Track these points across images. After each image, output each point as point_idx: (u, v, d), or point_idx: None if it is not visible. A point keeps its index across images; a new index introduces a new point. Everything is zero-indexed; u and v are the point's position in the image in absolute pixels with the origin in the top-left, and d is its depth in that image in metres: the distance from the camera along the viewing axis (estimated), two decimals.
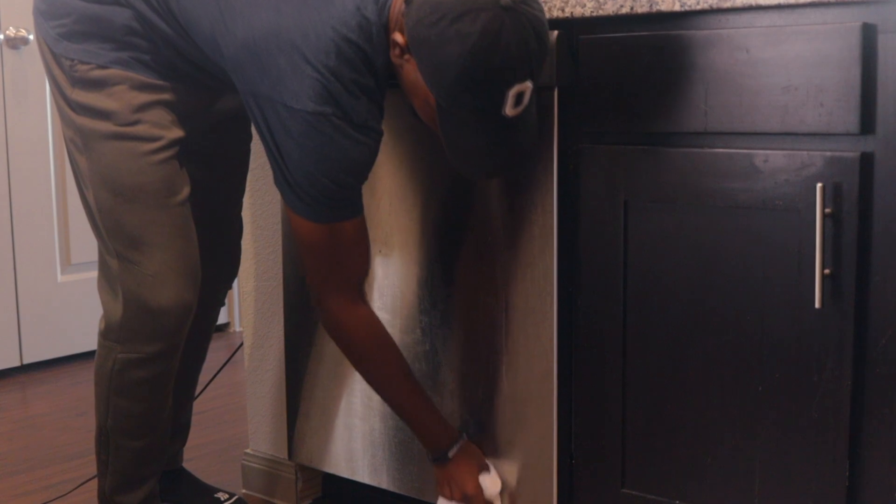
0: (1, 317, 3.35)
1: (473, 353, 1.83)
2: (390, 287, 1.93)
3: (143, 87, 1.75)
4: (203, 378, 2.25)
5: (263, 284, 2.16)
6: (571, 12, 1.64)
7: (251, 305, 2.21)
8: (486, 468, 1.82)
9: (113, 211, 1.78)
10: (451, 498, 1.83)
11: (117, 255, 1.80)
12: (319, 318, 1.82)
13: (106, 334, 1.85)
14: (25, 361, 3.40)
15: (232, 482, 2.33)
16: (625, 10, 1.59)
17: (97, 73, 1.74)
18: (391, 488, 1.99)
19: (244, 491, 2.30)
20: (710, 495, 1.61)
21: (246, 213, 2.17)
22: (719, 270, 1.57)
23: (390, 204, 1.91)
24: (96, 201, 1.80)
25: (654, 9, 1.56)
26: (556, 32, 1.65)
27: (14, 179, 3.35)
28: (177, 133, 1.78)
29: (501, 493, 1.83)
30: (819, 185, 1.43)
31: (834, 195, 1.44)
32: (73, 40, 1.75)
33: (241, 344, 2.31)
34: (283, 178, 1.66)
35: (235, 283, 2.23)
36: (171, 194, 1.78)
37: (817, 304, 1.45)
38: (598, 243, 1.68)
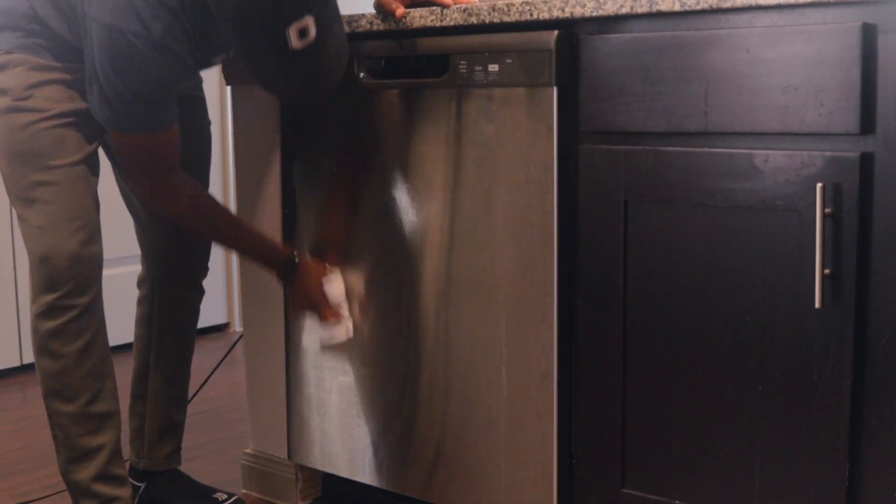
0: (1, 317, 3.35)
1: (473, 353, 1.83)
2: (390, 286, 1.93)
3: (39, 68, 1.87)
4: (201, 376, 2.25)
5: (263, 284, 2.15)
6: (571, 12, 1.64)
7: (251, 305, 2.21)
8: (329, 277, 1.94)
9: (10, 177, 1.91)
10: (300, 308, 1.97)
11: (18, 217, 1.92)
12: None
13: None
14: (25, 361, 3.39)
15: (232, 482, 2.33)
16: (625, 10, 1.59)
17: (3, 58, 1.87)
18: (391, 488, 1.99)
19: (244, 491, 2.30)
20: (710, 495, 1.61)
21: (244, 213, 2.17)
22: (719, 270, 1.57)
23: (390, 203, 1.91)
24: (2, 172, 1.93)
25: (654, 9, 1.56)
26: (556, 32, 1.66)
27: None
28: (71, 106, 1.88)
29: (350, 299, 1.94)
30: (819, 185, 1.43)
31: (834, 195, 1.44)
32: None
33: (241, 337, 2.30)
34: (92, 87, 1.78)
35: (235, 284, 2.23)
36: (58, 157, 1.88)
37: (817, 304, 1.45)
38: (598, 243, 1.68)
